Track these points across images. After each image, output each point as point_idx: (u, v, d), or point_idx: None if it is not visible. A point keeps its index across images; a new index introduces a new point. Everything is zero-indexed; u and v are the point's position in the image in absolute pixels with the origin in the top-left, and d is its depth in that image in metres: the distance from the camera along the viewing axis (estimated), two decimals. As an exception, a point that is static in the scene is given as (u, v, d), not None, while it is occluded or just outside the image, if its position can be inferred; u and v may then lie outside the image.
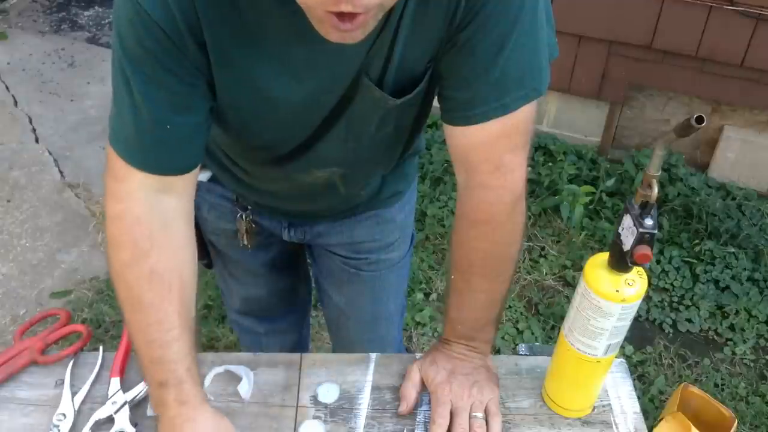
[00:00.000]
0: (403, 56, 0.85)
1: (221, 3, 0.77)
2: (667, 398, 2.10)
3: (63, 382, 1.02)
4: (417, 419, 1.01)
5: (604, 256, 0.88)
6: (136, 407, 1.00)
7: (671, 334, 2.38)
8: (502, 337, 2.30)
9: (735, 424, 0.97)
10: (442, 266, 2.54)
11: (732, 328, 2.39)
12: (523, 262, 2.57)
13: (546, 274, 2.55)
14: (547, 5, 0.87)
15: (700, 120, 0.71)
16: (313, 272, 1.48)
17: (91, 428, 0.96)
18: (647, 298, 2.45)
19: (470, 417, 0.98)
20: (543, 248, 2.64)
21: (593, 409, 1.03)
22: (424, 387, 1.03)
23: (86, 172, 2.94)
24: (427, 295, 2.45)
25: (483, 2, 0.80)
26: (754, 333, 2.37)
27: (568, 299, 2.42)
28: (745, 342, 2.35)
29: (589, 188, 2.71)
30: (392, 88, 0.88)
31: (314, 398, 1.03)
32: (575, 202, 2.67)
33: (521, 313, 2.39)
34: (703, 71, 2.68)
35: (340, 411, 1.01)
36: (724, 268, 2.54)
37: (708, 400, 1.01)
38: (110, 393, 1.00)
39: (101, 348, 1.07)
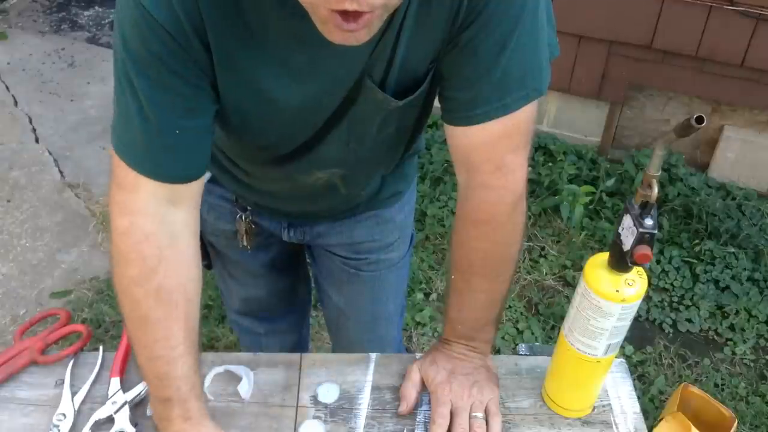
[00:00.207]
0: (406, 57, 0.85)
1: (225, 4, 0.77)
2: (667, 398, 2.10)
3: (63, 382, 1.02)
4: (417, 419, 1.01)
5: (604, 256, 0.88)
6: (136, 407, 1.00)
7: (671, 334, 2.38)
8: (502, 337, 2.30)
9: (735, 424, 0.97)
10: (442, 266, 2.54)
11: (732, 328, 2.39)
12: (523, 262, 2.57)
13: (546, 274, 2.55)
14: (547, 4, 0.87)
15: (700, 120, 0.71)
16: (312, 272, 1.48)
17: (91, 428, 0.96)
18: (647, 298, 2.45)
19: (470, 417, 0.98)
20: (543, 248, 2.64)
21: (593, 409, 1.03)
22: (424, 387, 1.03)
23: (86, 172, 2.94)
24: (427, 295, 2.45)
25: (486, 2, 0.79)
26: (754, 333, 2.37)
27: (568, 299, 2.42)
28: (745, 342, 2.35)
29: (589, 188, 2.71)
30: (394, 89, 0.88)
31: (314, 398, 1.03)
32: (575, 202, 2.67)
33: (521, 313, 2.39)
34: (703, 71, 2.68)
35: (340, 411, 1.01)
36: (724, 268, 2.54)
37: (708, 400, 1.01)
38: (110, 393, 1.00)
39: (101, 348, 1.07)
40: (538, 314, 2.41)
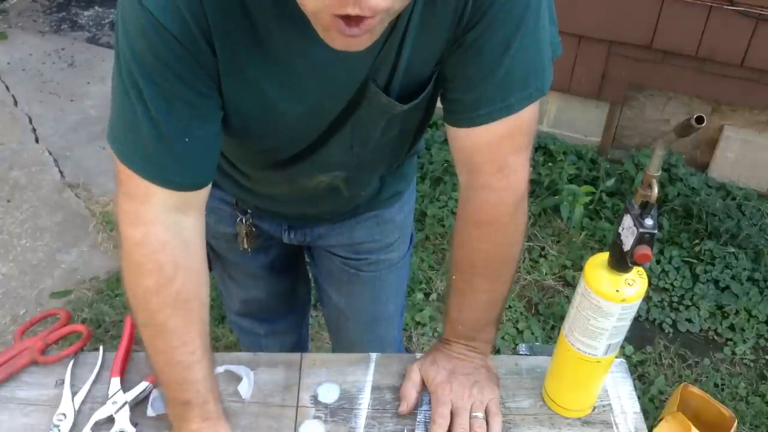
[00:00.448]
0: (411, 60, 0.84)
1: (231, 7, 0.75)
2: (667, 398, 2.10)
3: (63, 382, 1.02)
4: (417, 419, 1.01)
5: (604, 256, 0.88)
6: (137, 407, 1.00)
7: (671, 334, 2.38)
8: (502, 337, 2.30)
9: (735, 424, 0.97)
10: (442, 266, 2.54)
11: (732, 328, 2.39)
12: (523, 262, 2.57)
13: (546, 274, 2.55)
14: (550, 3, 0.86)
15: (700, 120, 0.71)
16: (312, 273, 1.48)
17: (91, 428, 0.96)
18: (647, 298, 2.45)
19: (470, 417, 0.98)
20: (543, 248, 2.64)
21: (593, 409, 1.03)
22: (424, 387, 1.03)
23: (86, 172, 2.93)
24: (427, 295, 2.45)
25: (491, 2, 0.79)
26: (754, 333, 2.37)
27: (568, 299, 2.42)
28: (745, 342, 2.35)
29: (589, 188, 2.71)
30: (398, 93, 0.88)
31: (314, 398, 1.03)
32: (575, 202, 2.67)
33: (521, 313, 2.39)
34: (703, 71, 2.68)
35: (340, 411, 1.01)
36: (724, 268, 2.54)
37: (708, 400, 1.01)
38: (110, 393, 1.00)
39: (101, 348, 1.07)
40: (538, 314, 2.41)
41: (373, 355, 1.10)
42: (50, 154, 3.04)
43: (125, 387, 1.01)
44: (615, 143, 3.04)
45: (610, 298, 0.86)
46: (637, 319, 2.34)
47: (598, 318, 0.88)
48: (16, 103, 3.35)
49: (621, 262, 0.85)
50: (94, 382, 1.03)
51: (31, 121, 3.22)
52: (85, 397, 1.01)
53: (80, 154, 3.05)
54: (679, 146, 2.88)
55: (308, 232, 1.26)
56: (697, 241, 2.62)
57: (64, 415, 0.97)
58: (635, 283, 0.86)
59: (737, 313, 2.42)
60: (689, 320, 2.41)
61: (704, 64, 2.66)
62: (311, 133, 0.94)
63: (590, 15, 2.67)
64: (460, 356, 1.03)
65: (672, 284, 2.52)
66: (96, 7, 4.15)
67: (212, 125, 0.85)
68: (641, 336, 2.36)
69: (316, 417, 1.00)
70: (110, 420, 0.97)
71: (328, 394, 1.03)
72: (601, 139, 3.01)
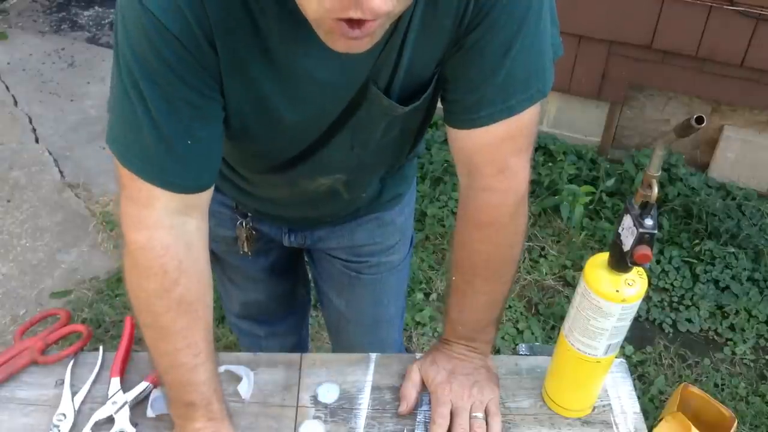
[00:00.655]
0: (412, 61, 0.84)
1: (232, 6, 0.75)
2: (667, 398, 2.10)
3: (63, 382, 1.02)
4: (417, 419, 1.01)
5: (604, 256, 0.88)
6: (136, 407, 1.00)
7: (671, 334, 2.38)
8: (502, 337, 2.30)
9: (735, 424, 0.97)
10: (442, 266, 2.54)
11: (732, 328, 2.39)
12: (523, 262, 2.57)
13: (546, 274, 2.55)
14: (551, 4, 0.86)
15: (700, 120, 0.71)
16: (312, 275, 1.47)
17: (91, 428, 0.96)
18: (647, 298, 2.45)
19: (470, 417, 0.98)
20: (543, 248, 2.64)
21: (593, 409, 1.03)
22: (424, 387, 1.03)
23: (86, 172, 2.94)
24: (427, 295, 2.45)
25: (493, 3, 0.79)
26: (754, 333, 2.37)
27: (568, 299, 2.42)
28: (745, 342, 2.35)
29: (589, 188, 2.71)
30: (399, 94, 0.87)
31: (314, 398, 1.03)
32: (575, 202, 2.67)
33: (521, 313, 2.39)
34: (703, 71, 2.68)
35: (340, 411, 1.01)
36: (724, 268, 2.54)
37: (708, 400, 1.01)
38: (110, 393, 1.00)
39: (101, 348, 1.07)
40: (538, 314, 2.41)
41: (373, 355, 1.10)
42: (50, 154, 3.04)
43: (125, 387, 1.01)
44: (615, 143, 3.04)
45: (610, 299, 0.86)
46: (637, 319, 2.34)
47: (598, 318, 0.88)
48: (16, 103, 3.35)
49: (621, 262, 0.85)
50: (94, 382, 1.03)
51: (31, 121, 3.22)
52: (85, 397, 1.01)
53: (80, 154, 3.05)
54: (679, 146, 2.88)
55: (308, 235, 1.26)
56: (697, 241, 2.62)
57: (64, 415, 0.97)
58: (635, 284, 0.86)
59: (737, 313, 2.42)
60: (689, 320, 2.41)
61: (704, 64, 2.66)
62: (311, 134, 0.94)
63: (590, 15, 2.67)
64: (460, 356, 1.03)
65: (672, 284, 2.52)
66: (96, 7, 4.15)
67: (214, 126, 0.84)
68: (641, 336, 2.36)
69: (316, 417, 1.00)
70: (110, 420, 0.97)
71: (328, 394, 1.03)
72: (601, 139, 3.01)
